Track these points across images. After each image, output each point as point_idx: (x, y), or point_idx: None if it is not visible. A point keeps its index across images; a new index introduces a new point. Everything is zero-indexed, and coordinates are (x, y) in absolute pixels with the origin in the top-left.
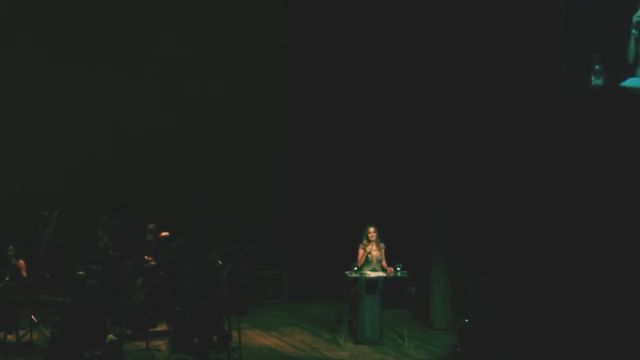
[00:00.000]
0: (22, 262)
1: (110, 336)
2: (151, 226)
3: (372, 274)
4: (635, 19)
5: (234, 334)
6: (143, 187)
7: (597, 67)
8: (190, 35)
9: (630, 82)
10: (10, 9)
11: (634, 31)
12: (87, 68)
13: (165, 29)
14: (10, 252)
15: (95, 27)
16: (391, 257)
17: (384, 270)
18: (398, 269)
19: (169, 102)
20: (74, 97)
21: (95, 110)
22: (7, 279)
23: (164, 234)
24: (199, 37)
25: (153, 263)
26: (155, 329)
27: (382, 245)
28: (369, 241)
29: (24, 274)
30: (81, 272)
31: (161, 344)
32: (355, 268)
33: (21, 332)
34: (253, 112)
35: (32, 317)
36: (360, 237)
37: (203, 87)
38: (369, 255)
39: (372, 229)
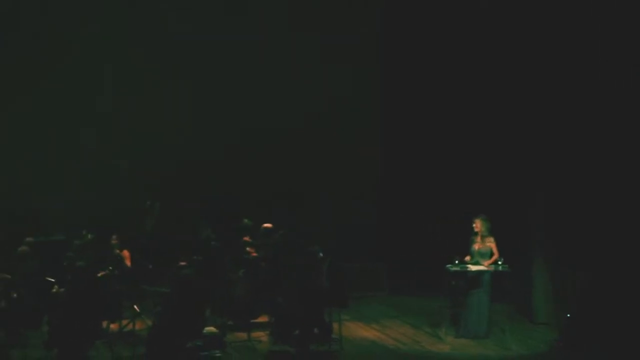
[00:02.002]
0: (125, 252)
1: (211, 328)
2: (246, 220)
3: (474, 268)
4: None
5: (335, 326)
6: (245, 181)
7: None
8: (297, 38)
9: None
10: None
11: None
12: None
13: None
14: (113, 242)
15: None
16: None
17: (493, 264)
18: (499, 262)
19: (274, 102)
20: (183, 94)
21: (201, 107)
22: (110, 268)
23: (266, 225)
24: (307, 39)
25: (254, 255)
26: (257, 320)
27: (489, 238)
28: (475, 234)
29: (128, 264)
30: (182, 263)
31: (262, 335)
32: (457, 261)
33: (124, 322)
34: (353, 107)
35: (135, 307)
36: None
37: (306, 87)
38: (471, 248)
39: (476, 221)
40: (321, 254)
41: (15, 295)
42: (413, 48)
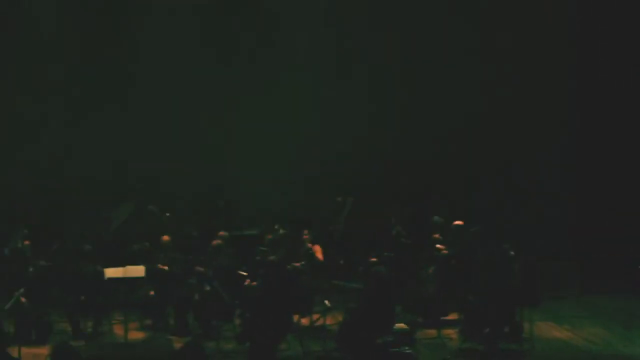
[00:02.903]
0: (317, 247)
1: (401, 324)
2: (437, 218)
3: None
4: None
5: (526, 325)
6: (434, 178)
7: None
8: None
9: None
10: None
11: None
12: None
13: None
14: (305, 237)
15: None
16: None
17: None
18: None
19: (455, 99)
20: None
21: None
22: (302, 263)
23: (457, 223)
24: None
25: (445, 252)
26: (447, 318)
27: None
28: None
29: (319, 258)
30: (373, 259)
31: (452, 333)
32: None
33: (315, 316)
34: (547, 102)
35: (326, 301)
36: None
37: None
38: None
39: None
40: (512, 252)
41: (208, 288)
42: (610, 31)
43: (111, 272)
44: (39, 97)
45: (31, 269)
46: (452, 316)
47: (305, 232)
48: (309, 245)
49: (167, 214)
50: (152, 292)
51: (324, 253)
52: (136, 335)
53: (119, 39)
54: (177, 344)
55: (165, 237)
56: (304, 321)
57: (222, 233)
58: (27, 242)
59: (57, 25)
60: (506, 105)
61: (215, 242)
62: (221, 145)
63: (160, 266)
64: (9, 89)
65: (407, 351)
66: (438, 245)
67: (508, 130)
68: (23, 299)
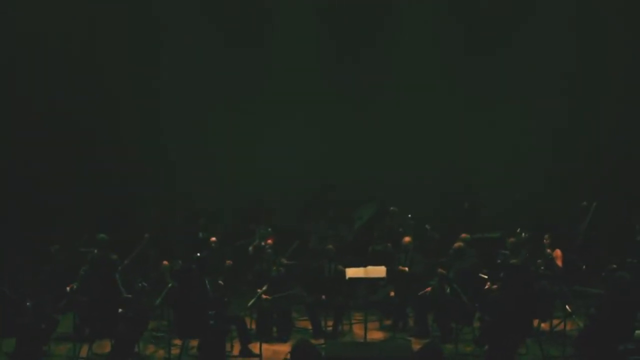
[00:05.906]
0: (558, 252)
1: None
2: None
3: None
4: None
5: None
6: None
7: None
8: None
9: None
10: None
11: None
12: None
13: None
14: (545, 242)
15: None
16: None
17: None
18: None
19: None
20: None
21: None
22: (542, 268)
23: None
24: None
25: None
26: None
27: None
28: None
29: (559, 263)
30: (614, 266)
31: None
32: None
33: (555, 321)
34: None
35: (567, 307)
36: None
37: None
38: None
39: None
40: None
41: (449, 290)
42: None
43: (352, 272)
44: None
45: (274, 268)
46: None
47: (546, 236)
48: (549, 250)
49: (409, 216)
50: (392, 293)
51: (565, 258)
52: (376, 335)
53: None
54: (416, 345)
55: (407, 238)
56: (544, 326)
57: (464, 235)
58: (270, 242)
59: None
60: None
61: (457, 244)
62: (468, 149)
63: (401, 267)
64: None
65: None
66: None
67: None
68: (265, 297)
